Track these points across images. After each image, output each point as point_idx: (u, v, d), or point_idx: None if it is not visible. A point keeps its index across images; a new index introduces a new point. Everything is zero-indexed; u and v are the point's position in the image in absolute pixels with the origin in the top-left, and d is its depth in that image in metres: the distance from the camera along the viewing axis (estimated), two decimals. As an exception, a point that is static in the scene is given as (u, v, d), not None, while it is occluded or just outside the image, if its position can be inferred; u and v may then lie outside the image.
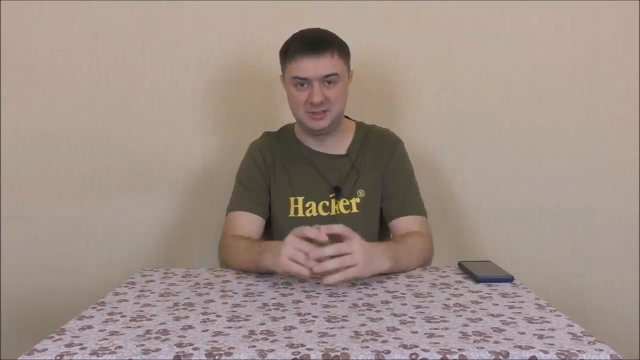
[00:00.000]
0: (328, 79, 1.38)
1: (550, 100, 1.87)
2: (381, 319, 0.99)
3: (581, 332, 0.92)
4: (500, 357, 0.83)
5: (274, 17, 1.83)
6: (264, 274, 1.29)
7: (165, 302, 1.10)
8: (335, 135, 1.50)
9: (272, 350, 0.84)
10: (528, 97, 1.87)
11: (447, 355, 0.83)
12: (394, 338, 0.89)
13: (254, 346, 0.86)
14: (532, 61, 1.85)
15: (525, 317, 1.00)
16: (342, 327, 0.95)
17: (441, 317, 1.00)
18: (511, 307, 1.05)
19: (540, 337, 0.90)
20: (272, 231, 1.51)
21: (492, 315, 1.01)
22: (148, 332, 0.94)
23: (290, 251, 1.15)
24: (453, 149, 1.88)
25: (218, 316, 1.01)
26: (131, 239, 1.90)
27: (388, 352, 0.84)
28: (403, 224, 1.44)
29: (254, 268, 1.29)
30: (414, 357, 0.83)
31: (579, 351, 0.84)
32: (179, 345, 0.87)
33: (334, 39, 1.42)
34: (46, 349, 0.87)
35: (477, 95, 1.87)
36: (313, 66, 1.37)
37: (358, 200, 1.48)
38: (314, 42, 1.39)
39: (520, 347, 0.85)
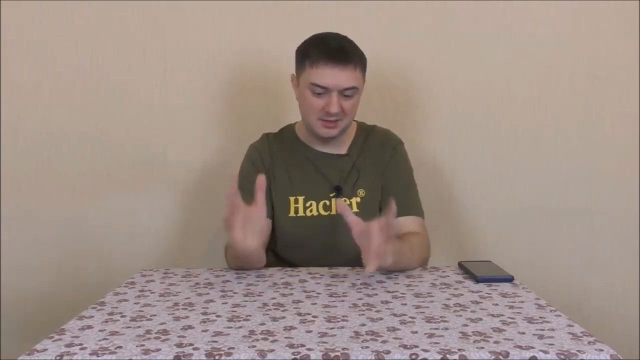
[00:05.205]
0: (346, 93, 1.39)
1: (550, 100, 1.87)
2: (381, 319, 0.99)
3: (581, 332, 0.92)
4: (500, 357, 0.83)
5: (274, 17, 1.83)
6: (264, 274, 1.29)
7: (165, 302, 1.10)
8: (337, 136, 1.50)
9: (272, 350, 0.84)
10: (528, 97, 1.87)
11: (447, 355, 0.83)
12: (394, 338, 0.89)
13: (254, 346, 0.86)
14: (532, 61, 1.85)
15: (525, 317, 1.00)
16: (342, 327, 0.95)
17: (441, 317, 1.00)
18: (511, 307, 1.05)
19: (540, 337, 0.90)
20: (273, 231, 1.51)
21: (492, 315, 1.01)
22: (148, 332, 0.94)
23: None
24: (453, 149, 1.88)
25: (218, 316, 1.01)
26: (131, 239, 1.89)
27: (388, 352, 0.84)
28: (401, 224, 1.44)
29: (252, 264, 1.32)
30: (414, 357, 0.83)
31: (579, 351, 0.84)
32: (179, 345, 0.87)
33: (356, 50, 1.41)
34: (46, 349, 0.87)
35: (477, 96, 1.86)
36: (335, 77, 1.36)
37: (358, 199, 1.48)
38: (339, 52, 1.37)
39: (520, 347, 0.85)
